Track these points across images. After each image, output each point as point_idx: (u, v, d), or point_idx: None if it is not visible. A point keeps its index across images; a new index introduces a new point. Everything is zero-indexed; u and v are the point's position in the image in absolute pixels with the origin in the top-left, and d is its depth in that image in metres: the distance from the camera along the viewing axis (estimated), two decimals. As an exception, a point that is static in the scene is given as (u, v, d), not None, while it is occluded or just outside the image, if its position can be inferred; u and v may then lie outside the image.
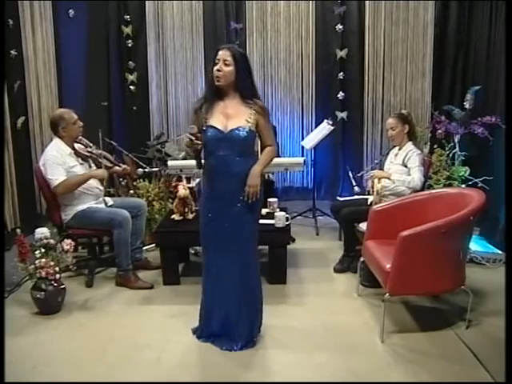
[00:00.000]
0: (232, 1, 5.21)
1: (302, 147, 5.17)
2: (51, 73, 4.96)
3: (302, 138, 5.27)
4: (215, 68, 2.36)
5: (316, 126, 5.04)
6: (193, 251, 3.93)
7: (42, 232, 3.03)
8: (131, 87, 5.39)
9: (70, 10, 5.04)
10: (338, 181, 5.52)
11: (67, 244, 3.04)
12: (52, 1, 4.88)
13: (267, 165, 2.52)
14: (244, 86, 2.41)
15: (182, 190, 3.49)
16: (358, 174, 4.14)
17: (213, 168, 2.47)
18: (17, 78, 4.56)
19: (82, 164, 3.47)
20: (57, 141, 3.40)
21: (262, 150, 2.57)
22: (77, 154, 3.47)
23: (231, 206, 2.44)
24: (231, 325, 2.55)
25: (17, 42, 4.56)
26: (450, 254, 2.64)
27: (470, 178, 4.18)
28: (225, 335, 2.57)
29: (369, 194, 3.75)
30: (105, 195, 3.63)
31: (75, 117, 3.43)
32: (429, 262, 2.57)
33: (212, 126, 2.40)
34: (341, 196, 4.90)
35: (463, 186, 4.12)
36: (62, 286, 3.01)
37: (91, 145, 3.61)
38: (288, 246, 3.42)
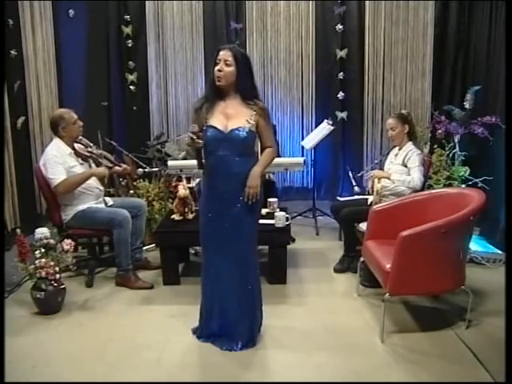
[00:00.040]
0: (232, 1, 5.21)
1: (302, 147, 5.17)
2: (51, 73, 4.96)
3: (302, 138, 5.27)
4: (216, 68, 2.36)
5: (316, 126, 5.04)
6: (193, 251, 3.93)
7: (42, 232, 3.03)
8: (131, 87, 5.39)
9: (70, 10, 5.04)
10: (338, 181, 5.51)
11: (67, 244, 3.04)
12: (52, 1, 4.88)
13: (267, 166, 2.53)
14: (245, 87, 2.41)
15: (182, 190, 3.49)
16: (358, 174, 4.14)
17: (213, 168, 2.47)
18: (17, 77, 4.56)
19: (82, 164, 3.47)
20: (57, 141, 3.40)
21: (262, 151, 2.57)
22: (77, 154, 3.47)
23: (231, 206, 2.44)
24: (231, 325, 2.55)
25: (17, 42, 4.56)
26: (450, 254, 2.64)
27: (470, 178, 4.18)
28: (225, 335, 2.57)
29: (369, 194, 3.75)
30: (105, 195, 3.63)
31: (75, 117, 3.43)
32: (429, 262, 2.57)
33: (212, 126, 2.40)
34: (341, 196, 4.90)
35: (463, 185, 4.12)
36: (62, 286, 3.02)
37: (91, 145, 3.61)
38: (288, 246, 3.42)
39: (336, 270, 3.60)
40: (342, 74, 5.27)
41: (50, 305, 2.97)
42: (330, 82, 5.35)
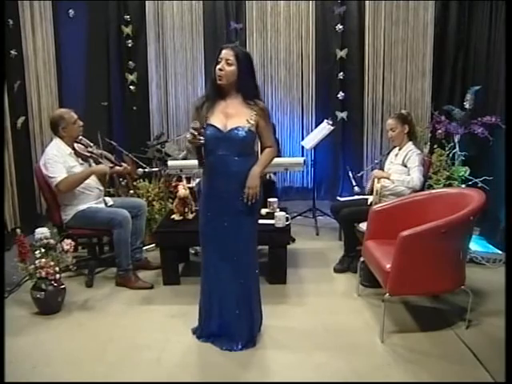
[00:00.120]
0: (232, 1, 5.21)
1: (302, 147, 5.17)
2: (51, 73, 4.96)
3: (302, 138, 5.27)
4: (217, 67, 2.36)
5: (316, 126, 5.05)
6: (193, 251, 3.93)
7: (42, 232, 3.03)
8: (131, 87, 5.39)
9: (70, 10, 5.04)
10: (338, 181, 5.51)
11: (67, 244, 3.04)
12: (52, 1, 4.88)
13: (267, 166, 2.52)
14: (246, 86, 2.40)
15: (182, 190, 3.49)
16: (358, 174, 4.14)
17: (212, 167, 2.47)
18: (17, 78, 4.56)
19: (82, 164, 3.47)
20: (57, 141, 3.40)
21: (262, 151, 2.57)
22: (77, 154, 3.47)
23: (230, 206, 2.44)
24: (230, 325, 2.55)
25: (17, 42, 4.56)
26: (450, 254, 2.64)
27: (470, 178, 4.18)
28: (224, 335, 2.57)
29: (369, 194, 3.75)
30: (105, 195, 3.63)
31: (75, 117, 3.43)
32: (429, 261, 2.57)
33: (212, 125, 2.40)
34: (341, 196, 4.90)
35: (463, 185, 4.12)
36: (62, 286, 3.02)
37: (91, 145, 3.61)
38: (288, 246, 3.42)
39: (336, 270, 3.60)
40: (342, 74, 5.27)
41: (49, 305, 2.97)
42: (330, 82, 5.35)
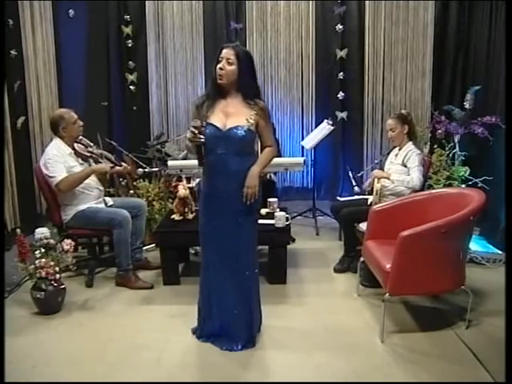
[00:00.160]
0: (232, 1, 5.21)
1: (302, 147, 5.17)
2: (51, 73, 4.96)
3: (302, 138, 5.27)
4: (218, 66, 2.36)
5: (316, 126, 5.04)
6: (193, 251, 3.93)
7: (42, 232, 3.03)
8: (131, 87, 5.39)
9: (70, 10, 5.04)
10: (338, 181, 5.51)
11: (67, 244, 3.04)
12: (52, 1, 4.88)
13: (266, 165, 2.52)
14: (246, 86, 2.40)
15: (182, 190, 3.49)
16: (358, 174, 4.14)
17: (212, 166, 2.46)
18: (17, 78, 4.56)
19: (82, 164, 3.46)
20: (57, 141, 3.40)
21: (261, 150, 2.57)
22: (77, 154, 3.47)
23: (230, 206, 2.44)
24: (230, 325, 2.55)
25: (17, 42, 4.56)
26: (450, 254, 2.64)
27: (470, 178, 4.18)
28: (224, 335, 2.57)
29: (369, 194, 3.75)
30: (105, 195, 3.63)
31: (75, 116, 3.43)
32: (429, 261, 2.57)
33: (211, 124, 2.40)
34: (341, 196, 4.91)
35: (463, 185, 4.12)
36: (62, 286, 3.02)
37: (91, 144, 3.61)
38: (288, 246, 3.42)
39: (336, 270, 3.60)
40: (342, 74, 5.27)
41: (49, 305, 2.97)
42: (330, 82, 5.35)
